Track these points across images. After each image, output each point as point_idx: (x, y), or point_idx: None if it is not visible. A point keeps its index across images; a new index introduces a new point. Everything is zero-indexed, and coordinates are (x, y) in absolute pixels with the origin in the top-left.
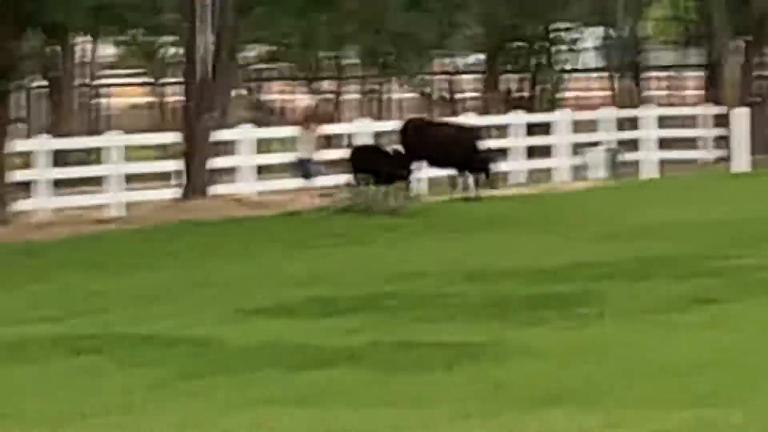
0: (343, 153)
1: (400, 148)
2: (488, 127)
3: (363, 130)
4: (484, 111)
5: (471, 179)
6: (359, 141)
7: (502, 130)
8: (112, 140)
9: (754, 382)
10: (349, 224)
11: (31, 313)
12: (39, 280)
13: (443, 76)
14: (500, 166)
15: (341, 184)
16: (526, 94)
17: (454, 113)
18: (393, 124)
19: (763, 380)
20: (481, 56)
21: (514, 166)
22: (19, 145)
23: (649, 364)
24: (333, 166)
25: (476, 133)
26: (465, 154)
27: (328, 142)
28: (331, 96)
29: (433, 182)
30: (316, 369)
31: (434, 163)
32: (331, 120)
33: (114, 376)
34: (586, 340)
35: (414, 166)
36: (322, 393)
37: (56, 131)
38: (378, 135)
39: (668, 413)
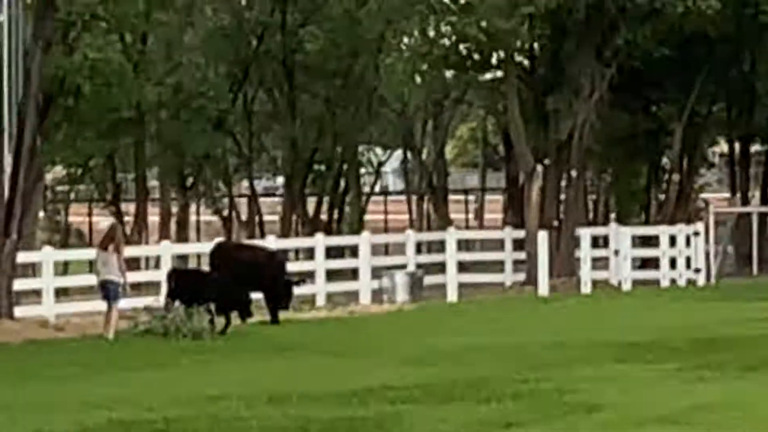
0: (146, 275)
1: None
2: (291, 250)
3: (165, 252)
4: (286, 234)
5: (275, 303)
6: (162, 263)
7: (304, 253)
8: None
9: None
10: (151, 347)
11: None
12: None
13: (246, 199)
14: (305, 290)
15: (144, 306)
16: (328, 216)
17: (257, 236)
18: (197, 247)
19: None
20: (284, 178)
21: (317, 289)
22: None
23: None
24: (136, 288)
25: (282, 256)
26: (272, 278)
27: (131, 264)
28: (133, 218)
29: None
30: None
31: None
32: (133, 242)
33: None
34: None
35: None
36: None
37: None
38: (181, 257)
39: None
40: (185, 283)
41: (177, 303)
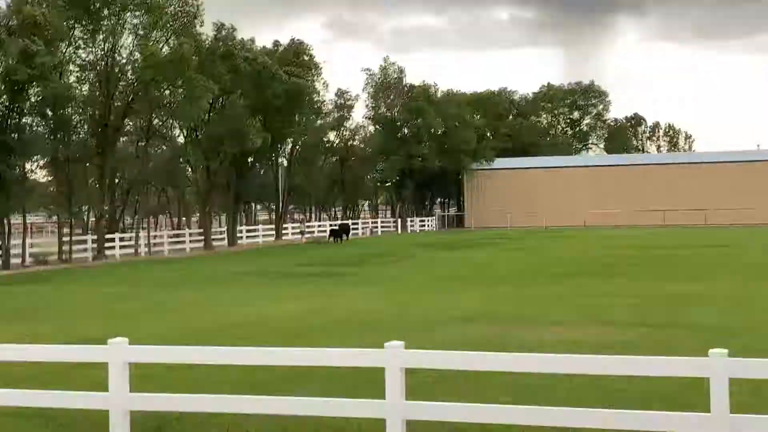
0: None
1: None
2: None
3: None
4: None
5: (348, 236)
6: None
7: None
8: None
9: None
10: (316, 246)
11: None
12: None
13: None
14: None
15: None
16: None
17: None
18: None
19: None
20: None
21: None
22: None
23: None
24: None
25: (349, 223)
26: (348, 229)
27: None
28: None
29: None
30: None
31: None
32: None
33: None
34: None
35: None
36: None
37: None
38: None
39: None
40: (335, 229)
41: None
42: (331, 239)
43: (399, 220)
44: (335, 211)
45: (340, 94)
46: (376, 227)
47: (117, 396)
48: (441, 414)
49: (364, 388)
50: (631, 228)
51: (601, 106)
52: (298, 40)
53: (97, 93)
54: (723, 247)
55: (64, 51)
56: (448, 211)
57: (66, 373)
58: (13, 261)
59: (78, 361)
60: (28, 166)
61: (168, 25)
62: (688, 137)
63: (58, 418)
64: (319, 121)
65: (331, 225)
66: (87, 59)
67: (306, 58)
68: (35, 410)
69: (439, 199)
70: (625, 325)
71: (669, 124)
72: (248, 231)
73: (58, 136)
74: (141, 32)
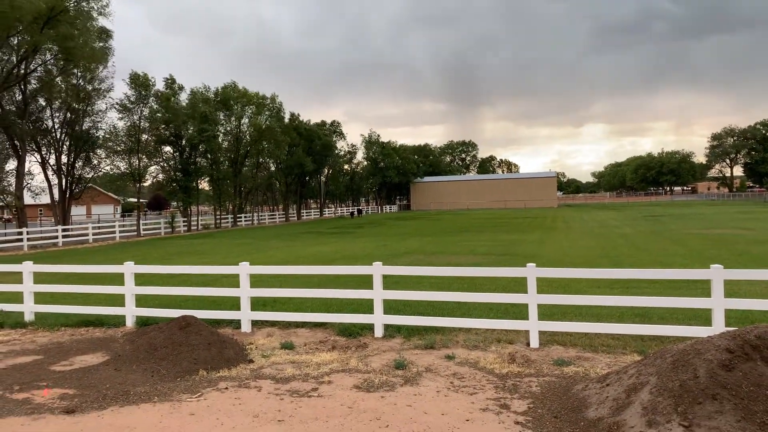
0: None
1: None
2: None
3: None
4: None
5: (360, 214)
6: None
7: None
8: None
9: None
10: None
11: None
12: None
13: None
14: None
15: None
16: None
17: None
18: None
19: None
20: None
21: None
22: None
23: None
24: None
25: (359, 208)
26: (360, 211)
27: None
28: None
29: None
30: None
31: None
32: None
33: None
34: None
35: None
36: None
37: None
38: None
39: None
40: (355, 212)
41: (354, 213)
42: (351, 216)
43: (379, 206)
44: (350, 203)
45: (351, 146)
46: (369, 210)
47: (244, 290)
48: (401, 295)
49: (364, 284)
50: (487, 210)
51: (474, 152)
52: (336, 121)
53: (232, 145)
54: (532, 218)
55: (216, 127)
56: (402, 202)
57: (219, 279)
58: (193, 227)
59: (225, 273)
60: (200, 181)
61: (266, 112)
62: (515, 166)
63: (217, 301)
64: (340, 159)
65: (350, 209)
66: (227, 129)
67: (337, 127)
68: (206, 297)
69: (398, 196)
70: (485, 254)
71: (505, 159)
72: (306, 212)
73: (213, 166)
74: (253, 116)
